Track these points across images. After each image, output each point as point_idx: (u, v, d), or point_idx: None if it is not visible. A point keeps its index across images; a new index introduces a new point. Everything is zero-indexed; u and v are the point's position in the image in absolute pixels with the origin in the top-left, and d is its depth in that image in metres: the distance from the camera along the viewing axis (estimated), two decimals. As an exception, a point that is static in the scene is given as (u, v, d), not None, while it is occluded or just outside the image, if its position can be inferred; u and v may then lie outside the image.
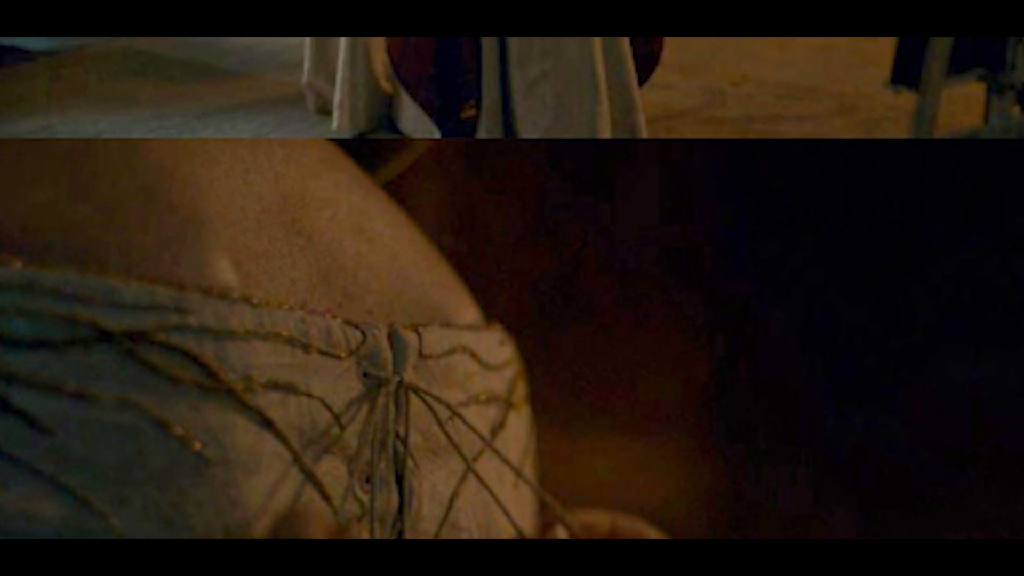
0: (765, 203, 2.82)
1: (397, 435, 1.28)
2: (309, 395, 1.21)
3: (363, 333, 1.27)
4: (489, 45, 4.19)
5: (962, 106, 4.16)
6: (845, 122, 4.77)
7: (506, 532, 1.35)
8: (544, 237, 2.83)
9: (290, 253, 1.27)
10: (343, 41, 4.60)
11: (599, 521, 1.43)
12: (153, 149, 1.23)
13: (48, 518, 1.06)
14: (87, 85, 5.29)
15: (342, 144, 1.54)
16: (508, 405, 1.44)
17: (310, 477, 1.20)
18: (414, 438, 1.29)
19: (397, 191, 2.19)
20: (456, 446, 1.32)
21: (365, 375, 1.26)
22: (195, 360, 1.13)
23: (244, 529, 1.13)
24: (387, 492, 1.26)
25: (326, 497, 1.21)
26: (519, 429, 1.46)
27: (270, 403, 1.18)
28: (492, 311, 1.66)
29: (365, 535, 1.22)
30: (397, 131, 4.62)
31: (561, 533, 1.38)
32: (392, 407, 1.27)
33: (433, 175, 2.80)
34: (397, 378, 1.28)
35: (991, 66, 3.41)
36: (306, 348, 1.21)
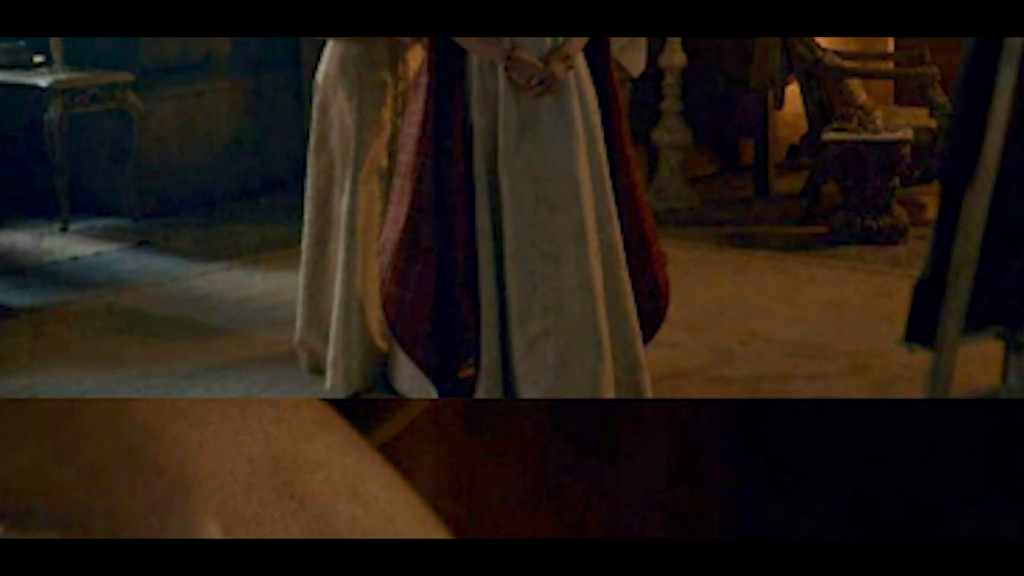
0: (775, 466, 2.82)
1: None
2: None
3: (356, 601, 1.27)
4: (488, 302, 4.24)
5: (979, 365, 4.19)
6: (858, 381, 4.80)
7: None
8: (546, 501, 2.83)
9: (281, 517, 1.28)
10: (337, 298, 4.65)
11: None
12: (139, 410, 1.25)
13: None
14: (71, 343, 5.34)
15: (336, 404, 1.56)
16: None
17: None
18: None
19: (393, 453, 2.21)
20: None
21: (357, 646, 1.26)
22: (180, 630, 1.14)
23: None
24: None
25: None
26: None
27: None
28: (491, 579, 1.66)
29: None
30: (393, 391, 4.64)
31: None
32: None
33: (430, 437, 2.81)
34: (391, 649, 1.28)
35: (1009, 323, 3.43)
36: (297, 617, 1.21)
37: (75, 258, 6.56)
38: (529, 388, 4.24)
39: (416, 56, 4.64)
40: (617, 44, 6.68)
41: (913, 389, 4.58)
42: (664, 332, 4.60)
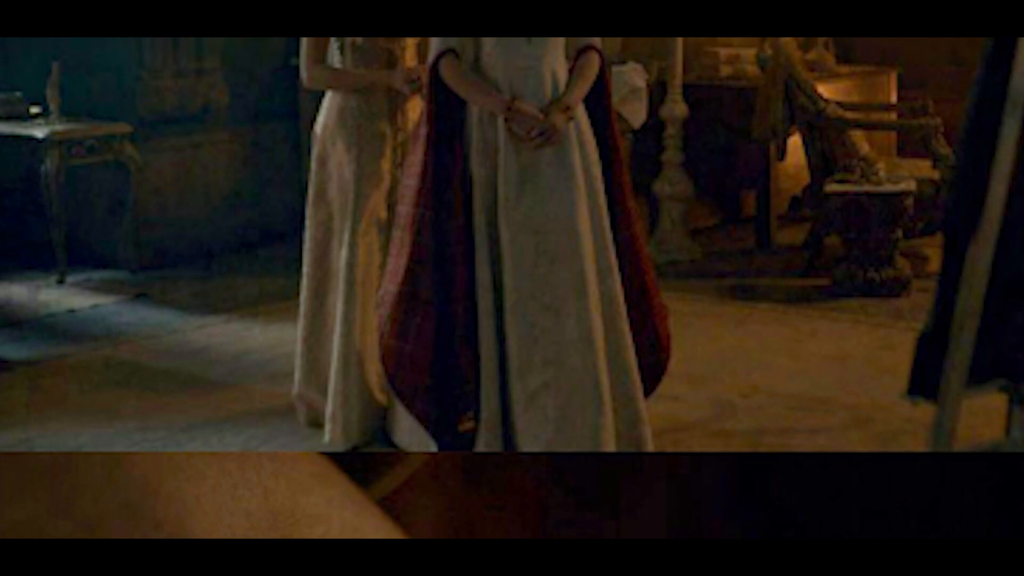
0: (777, 520, 2.82)
1: None
2: None
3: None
4: (488, 355, 4.25)
5: (983, 418, 4.19)
6: (860, 435, 4.80)
7: None
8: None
9: (279, 572, 1.28)
10: (335, 351, 4.66)
11: None
12: (137, 463, 1.25)
13: None
14: (67, 396, 5.33)
15: (334, 458, 1.56)
16: None
17: None
18: None
19: (392, 507, 2.21)
20: None
21: None
22: None
23: None
24: None
25: None
26: None
27: None
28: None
29: None
30: (392, 444, 4.64)
31: None
32: None
33: (430, 491, 2.81)
34: None
35: (1013, 376, 3.43)
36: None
37: (72, 311, 6.57)
38: (529, 441, 4.24)
39: (415, 107, 4.66)
40: (618, 95, 6.72)
41: (916, 443, 4.58)
42: (665, 385, 4.60)
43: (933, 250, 7.03)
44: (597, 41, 4.34)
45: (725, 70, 8.23)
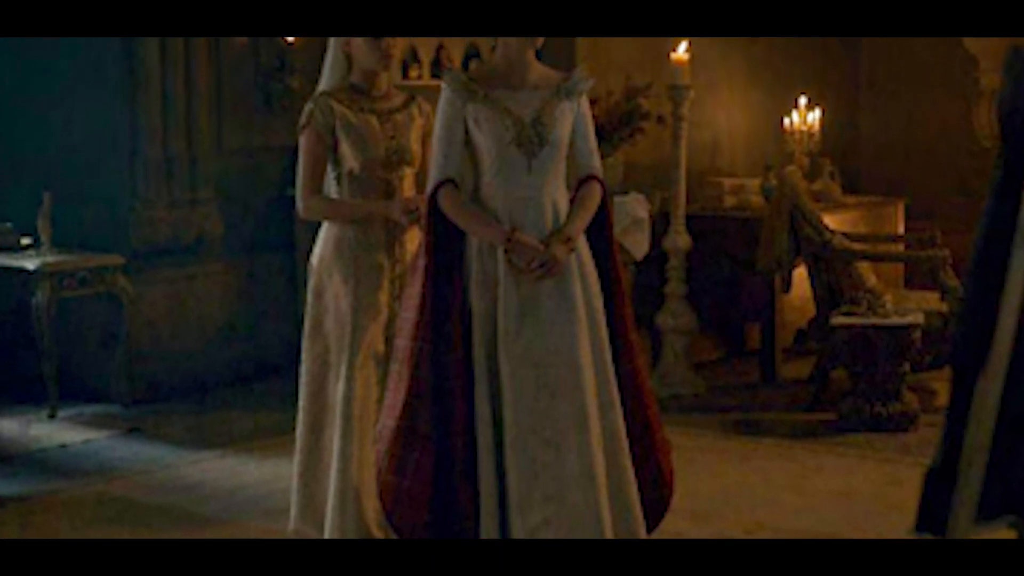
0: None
1: None
2: None
3: None
4: (488, 491, 4.25)
5: (994, 555, 4.20)
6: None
7: None
8: None
9: None
10: (332, 486, 4.66)
11: None
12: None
13: None
14: (59, 533, 5.33)
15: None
16: None
17: None
18: None
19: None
20: None
21: None
22: None
23: None
24: None
25: None
26: None
27: None
28: None
29: None
30: (389, 582, 4.64)
31: None
32: None
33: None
34: None
35: (1022, 513, 3.44)
36: None
37: (63, 445, 6.58)
38: (530, 579, 4.24)
39: (413, 238, 4.69)
40: (620, 225, 6.78)
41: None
42: (668, 522, 4.60)
43: (941, 384, 7.05)
44: (599, 171, 4.39)
45: (729, 200, 8.30)
